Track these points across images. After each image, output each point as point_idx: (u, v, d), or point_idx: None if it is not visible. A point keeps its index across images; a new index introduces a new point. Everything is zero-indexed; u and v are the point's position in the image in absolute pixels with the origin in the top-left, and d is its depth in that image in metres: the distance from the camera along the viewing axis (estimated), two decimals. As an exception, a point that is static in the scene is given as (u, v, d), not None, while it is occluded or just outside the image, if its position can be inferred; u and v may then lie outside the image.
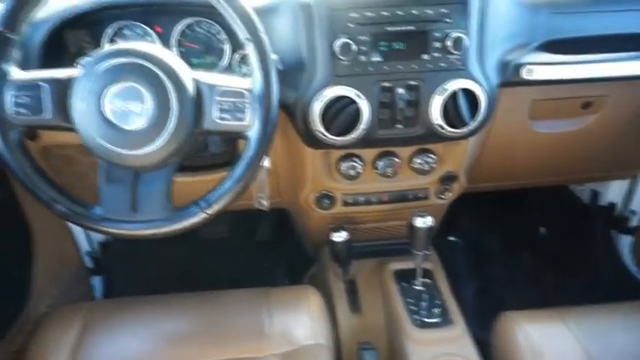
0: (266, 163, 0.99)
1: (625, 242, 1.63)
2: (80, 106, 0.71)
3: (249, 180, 0.77)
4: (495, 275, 1.83)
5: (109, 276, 1.61)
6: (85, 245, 1.52)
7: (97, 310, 1.03)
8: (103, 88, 0.70)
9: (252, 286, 1.11)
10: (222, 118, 0.75)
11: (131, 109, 0.71)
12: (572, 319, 0.95)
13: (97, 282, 1.56)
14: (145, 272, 1.75)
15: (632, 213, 1.56)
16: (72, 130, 0.73)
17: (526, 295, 1.74)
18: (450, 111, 0.92)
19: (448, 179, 1.15)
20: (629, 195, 1.57)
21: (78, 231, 1.46)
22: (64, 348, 0.94)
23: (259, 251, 1.87)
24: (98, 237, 1.58)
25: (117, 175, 0.76)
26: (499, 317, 1.00)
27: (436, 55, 0.90)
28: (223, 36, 1.01)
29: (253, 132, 0.75)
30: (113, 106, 0.71)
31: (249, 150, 0.76)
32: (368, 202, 1.16)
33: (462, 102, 0.91)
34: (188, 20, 1.00)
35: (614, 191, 1.62)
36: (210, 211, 0.77)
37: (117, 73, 0.71)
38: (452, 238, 1.96)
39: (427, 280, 1.19)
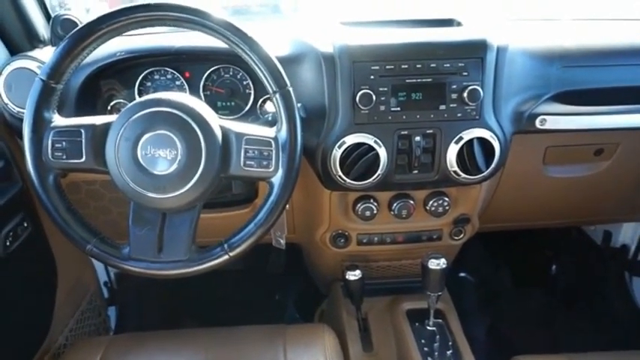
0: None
1: (638, 285, 1.62)
2: (114, 152, 0.75)
3: (272, 224, 0.80)
4: (506, 314, 1.82)
5: (122, 307, 1.63)
6: (102, 276, 1.55)
7: (117, 345, 1.05)
8: (137, 135, 0.75)
9: (264, 320, 1.12)
10: (247, 165, 0.78)
11: (162, 155, 0.75)
12: None
13: (111, 312, 1.58)
14: (158, 303, 1.77)
15: (646, 256, 1.56)
16: (106, 173, 0.77)
17: (537, 335, 1.72)
18: (466, 158, 0.95)
19: (461, 221, 1.17)
20: None
21: (98, 262, 1.49)
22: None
23: (270, 285, 1.88)
24: (115, 267, 1.61)
25: (145, 217, 0.79)
26: None
27: (453, 105, 0.94)
28: (248, 81, 1.06)
29: (277, 178, 0.79)
30: (146, 152, 0.75)
31: (272, 195, 0.79)
32: (382, 242, 1.19)
33: (477, 150, 0.95)
34: (215, 66, 1.05)
35: (627, 233, 1.63)
36: (232, 254, 0.80)
37: (151, 122, 0.75)
38: (463, 275, 1.96)
39: (439, 321, 1.19)
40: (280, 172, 0.79)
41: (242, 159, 0.78)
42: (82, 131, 0.78)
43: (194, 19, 0.77)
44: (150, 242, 0.79)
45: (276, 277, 1.93)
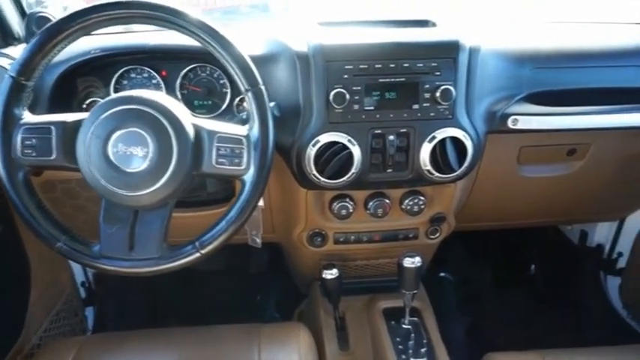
0: (260, 202, 1.03)
1: (613, 284, 1.65)
2: (85, 149, 0.75)
3: (243, 221, 0.80)
4: (485, 313, 1.84)
5: (101, 307, 1.62)
6: (80, 276, 1.53)
7: (90, 345, 1.04)
8: (108, 132, 0.74)
9: (244, 320, 1.12)
10: (219, 163, 0.79)
11: (134, 152, 0.75)
12: None
13: (89, 313, 1.57)
14: (138, 303, 1.76)
15: (619, 255, 1.59)
16: (77, 170, 0.77)
17: (515, 334, 1.74)
18: (439, 157, 0.96)
19: (437, 220, 1.18)
20: (616, 237, 1.60)
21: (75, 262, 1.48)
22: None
23: (252, 285, 1.88)
24: (93, 267, 1.60)
25: (117, 215, 0.79)
26: (483, 358, 1.02)
27: (426, 105, 0.95)
28: (224, 80, 1.07)
29: (249, 176, 0.79)
30: (117, 150, 0.75)
31: (244, 193, 0.80)
32: (359, 241, 1.19)
33: (450, 149, 0.96)
34: (192, 65, 1.05)
35: (602, 232, 1.66)
36: (204, 251, 0.80)
37: (122, 119, 0.75)
38: (443, 274, 1.98)
39: (415, 319, 1.20)
40: (252, 170, 0.79)
41: (214, 157, 0.79)
42: (53, 128, 0.78)
43: (166, 17, 0.77)
44: (121, 240, 0.79)
45: (258, 277, 1.93)
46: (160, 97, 0.78)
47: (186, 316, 1.53)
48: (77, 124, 0.77)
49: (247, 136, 0.79)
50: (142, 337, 1.08)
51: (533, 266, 1.97)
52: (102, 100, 0.77)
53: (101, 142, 0.74)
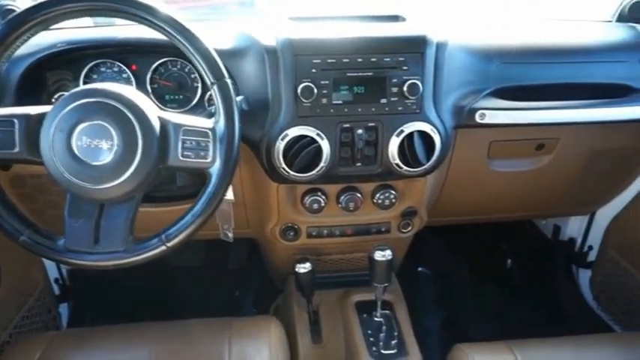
0: (230, 196, 1.03)
1: (584, 276, 1.69)
2: (49, 143, 0.74)
3: (209, 214, 0.81)
4: (462, 307, 1.87)
5: (77, 303, 1.61)
6: (54, 272, 1.52)
7: (59, 340, 1.03)
8: (71, 125, 0.74)
9: (221, 315, 1.12)
10: (185, 156, 0.79)
11: (98, 145, 0.75)
12: (520, 352, 0.99)
13: (63, 309, 1.56)
14: (115, 299, 1.75)
15: (590, 248, 1.63)
16: (41, 164, 0.76)
17: (490, 327, 1.77)
18: (407, 151, 0.98)
19: (409, 214, 1.19)
20: (587, 231, 1.64)
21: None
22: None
23: (230, 280, 1.88)
24: (68, 263, 1.59)
25: (82, 208, 0.79)
26: (452, 349, 1.04)
27: (393, 99, 0.96)
28: (195, 75, 1.06)
29: (215, 169, 0.80)
30: (81, 143, 0.74)
31: (210, 186, 0.80)
32: (332, 235, 1.20)
33: (418, 143, 0.97)
34: (162, 59, 1.05)
35: (574, 226, 1.69)
36: (170, 244, 0.80)
37: (85, 112, 0.74)
38: (421, 269, 2.00)
39: (387, 312, 1.22)
40: (218, 163, 0.79)
41: (180, 150, 0.79)
42: (16, 121, 0.77)
43: (130, 10, 0.77)
44: (86, 233, 0.79)
45: (237, 273, 1.93)
46: (125, 89, 0.77)
47: (163, 313, 1.52)
48: (41, 117, 0.76)
49: (213, 129, 0.79)
50: (113, 332, 1.07)
51: (509, 261, 2.00)
52: (65, 94, 0.77)
53: (65, 135, 0.74)
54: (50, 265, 1.48)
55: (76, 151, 0.74)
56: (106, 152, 0.75)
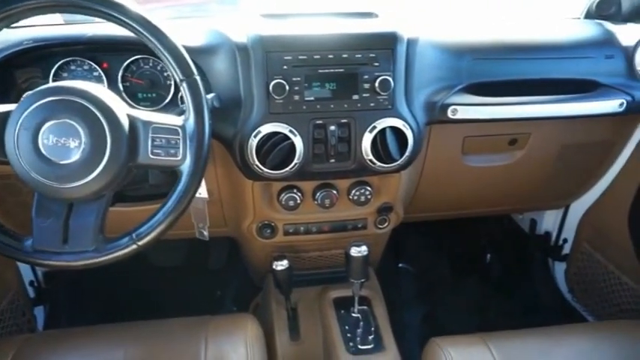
0: (204, 194, 1.03)
1: (560, 269, 1.72)
2: (14, 141, 0.73)
3: (180, 212, 0.80)
4: (442, 301, 1.89)
5: (53, 306, 1.58)
6: (29, 275, 1.49)
7: (32, 343, 1.01)
8: (37, 123, 0.73)
9: (202, 314, 1.12)
10: (155, 154, 0.78)
11: (66, 144, 0.74)
12: (493, 343, 1.01)
13: (39, 312, 1.53)
14: (93, 302, 1.72)
15: (565, 241, 1.66)
16: (6, 163, 0.75)
17: (469, 321, 1.80)
18: (380, 147, 0.98)
19: (385, 210, 1.20)
20: (561, 224, 1.67)
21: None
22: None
23: (211, 280, 1.87)
24: (43, 266, 1.56)
25: (50, 208, 0.78)
26: (428, 343, 1.05)
27: (365, 95, 0.97)
28: (168, 72, 1.06)
29: (185, 167, 0.79)
30: (48, 142, 0.73)
31: (180, 184, 0.80)
32: (308, 232, 1.21)
33: (391, 139, 0.98)
34: (134, 57, 1.04)
35: (549, 220, 1.73)
36: (141, 243, 0.79)
37: (52, 110, 0.73)
38: (402, 265, 2.02)
39: (364, 308, 1.23)
40: (188, 161, 0.79)
41: (149, 147, 0.78)
42: None
43: (96, 7, 0.76)
44: (54, 233, 0.78)
45: (218, 273, 1.92)
46: (92, 87, 0.77)
47: (143, 314, 1.51)
48: (5, 116, 0.75)
49: (183, 127, 0.79)
50: (87, 334, 1.06)
51: (488, 255, 2.03)
52: (30, 92, 0.76)
53: (30, 133, 0.73)
54: (25, 268, 1.46)
55: (43, 150, 0.73)
56: (74, 151, 0.74)
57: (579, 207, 1.55)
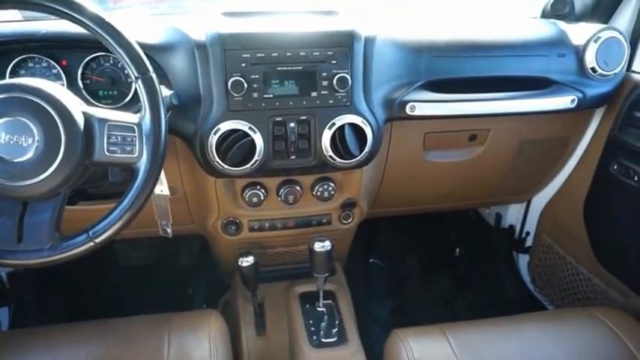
0: (166, 191, 1.03)
1: (523, 261, 1.78)
2: None
3: (137, 209, 0.80)
4: (411, 295, 1.93)
5: (17, 307, 1.56)
6: (-9, 275, 1.47)
7: None
8: None
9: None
10: (111, 151, 0.78)
11: (19, 142, 0.73)
12: (452, 334, 1.04)
13: (4, 313, 1.51)
14: (59, 303, 1.70)
15: (527, 234, 1.71)
16: None
17: (438, 313, 1.84)
18: (339, 143, 1.00)
19: (348, 205, 1.22)
20: (524, 218, 1.72)
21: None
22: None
23: (181, 278, 1.87)
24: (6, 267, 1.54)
25: (2, 206, 0.77)
26: (390, 334, 1.08)
27: (324, 92, 0.99)
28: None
29: (142, 164, 0.79)
30: (0, 139, 0.73)
31: (137, 180, 0.80)
32: (273, 228, 1.22)
33: (349, 135, 1.00)
34: (93, 54, 1.03)
35: (513, 214, 1.78)
36: (98, 240, 0.79)
37: (4, 108, 0.73)
38: (372, 261, 2.05)
39: (329, 302, 1.25)
40: (145, 158, 0.79)
41: (105, 145, 0.78)
42: None
43: (46, 3, 0.75)
44: (8, 231, 0.77)
45: (189, 271, 1.92)
46: (45, 84, 0.76)
47: (111, 313, 1.50)
48: None
49: (139, 124, 0.79)
50: (49, 333, 1.05)
51: (458, 249, 2.08)
52: None
53: None
54: (-13, 269, 1.44)
55: None
56: (28, 148, 0.73)
57: (540, 201, 1.60)
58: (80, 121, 0.76)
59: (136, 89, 1.04)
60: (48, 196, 0.77)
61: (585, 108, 1.17)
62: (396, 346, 1.02)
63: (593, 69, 1.15)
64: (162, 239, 1.23)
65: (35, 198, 0.77)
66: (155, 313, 1.11)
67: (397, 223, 2.01)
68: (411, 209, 1.56)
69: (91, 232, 0.79)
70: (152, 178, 0.80)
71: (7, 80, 0.77)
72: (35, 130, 0.73)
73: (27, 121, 0.73)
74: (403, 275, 2.02)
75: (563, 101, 1.14)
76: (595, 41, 1.14)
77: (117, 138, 0.78)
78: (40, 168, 0.74)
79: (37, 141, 0.73)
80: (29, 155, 0.74)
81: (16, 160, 0.73)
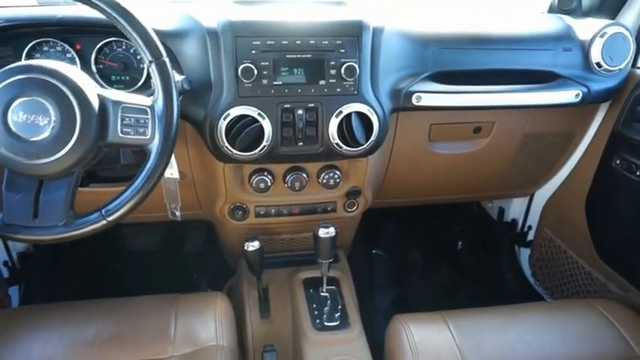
0: (176, 174, 1.06)
1: (524, 254, 1.79)
2: None
3: (149, 190, 0.83)
4: (413, 286, 1.95)
5: (27, 286, 1.60)
6: (3, 255, 1.50)
7: (2, 318, 1.04)
8: (7, 101, 0.75)
9: None
10: (124, 132, 0.81)
11: (35, 121, 0.76)
12: (452, 321, 1.06)
13: (14, 292, 1.54)
14: (68, 283, 1.74)
15: (529, 228, 1.73)
16: None
17: (439, 304, 1.85)
18: (345, 131, 1.02)
19: (353, 193, 1.24)
20: (527, 212, 1.74)
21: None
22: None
23: (187, 263, 1.90)
24: (18, 247, 1.57)
25: (20, 183, 0.80)
26: (391, 320, 1.10)
27: (332, 81, 1.01)
28: (140, 55, 1.07)
29: (154, 145, 0.82)
30: (17, 119, 0.75)
31: (149, 161, 0.82)
32: (279, 214, 1.24)
33: (356, 124, 1.02)
34: (107, 39, 1.05)
35: (516, 208, 1.79)
36: (110, 219, 0.82)
37: (21, 88, 0.75)
38: (375, 251, 2.07)
39: (332, 287, 1.27)
40: (157, 140, 0.82)
41: (119, 126, 0.81)
42: None
43: None
44: (24, 207, 0.80)
45: (194, 256, 1.95)
46: (62, 66, 0.79)
47: (118, 295, 1.54)
48: None
49: (152, 107, 0.82)
50: (59, 309, 1.08)
51: (460, 242, 2.10)
52: (1, 69, 0.77)
53: (0, 110, 0.75)
54: (-1, 248, 1.47)
55: (12, 127, 0.75)
56: (44, 128, 0.76)
57: (542, 195, 1.61)
58: (95, 103, 0.79)
59: (147, 75, 1.09)
60: (63, 174, 0.80)
61: (590, 103, 1.18)
62: (397, 330, 1.04)
63: (598, 64, 1.16)
64: (169, 225, 1.26)
65: (51, 176, 0.80)
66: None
67: (400, 216, 2.03)
68: (415, 200, 1.58)
69: (103, 211, 0.82)
70: (164, 160, 0.83)
71: (25, 62, 0.79)
72: (52, 111, 0.76)
73: (44, 102, 0.76)
74: (405, 267, 2.04)
75: (567, 95, 1.16)
76: (601, 36, 1.15)
77: (130, 120, 0.81)
78: (55, 147, 0.77)
79: (54, 121, 0.76)
80: (45, 135, 0.76)
81: (32, 139, 0.76)
